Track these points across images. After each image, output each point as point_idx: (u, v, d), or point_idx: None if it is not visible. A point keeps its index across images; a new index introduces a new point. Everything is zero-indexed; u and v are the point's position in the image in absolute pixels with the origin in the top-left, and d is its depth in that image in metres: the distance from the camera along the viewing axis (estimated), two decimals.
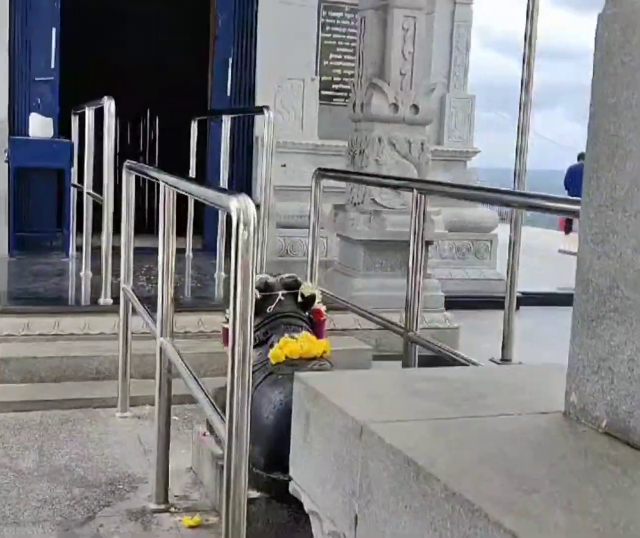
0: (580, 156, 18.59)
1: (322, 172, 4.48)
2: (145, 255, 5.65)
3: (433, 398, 1.34)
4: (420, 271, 3.51)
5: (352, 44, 8.05)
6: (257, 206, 5.53)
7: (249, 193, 7.90)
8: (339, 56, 8.08)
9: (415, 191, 3.45)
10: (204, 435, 3.60)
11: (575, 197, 2.60)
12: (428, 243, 5.84)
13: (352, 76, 8.08)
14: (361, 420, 1.22)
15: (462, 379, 1.45)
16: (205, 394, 2.52)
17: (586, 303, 1.25)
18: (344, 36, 8.07)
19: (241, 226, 2.14)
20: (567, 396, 1.30)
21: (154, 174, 3.24)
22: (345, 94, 8.08)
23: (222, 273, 6.40)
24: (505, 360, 6.02)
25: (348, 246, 5.84)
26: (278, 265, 6.81)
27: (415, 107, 5.67)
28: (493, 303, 7.84)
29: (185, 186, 2.75)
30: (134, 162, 4.15)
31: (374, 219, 5.61)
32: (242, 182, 7.61)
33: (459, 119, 8.21)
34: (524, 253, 8.21)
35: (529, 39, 5.83)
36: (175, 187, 2.87)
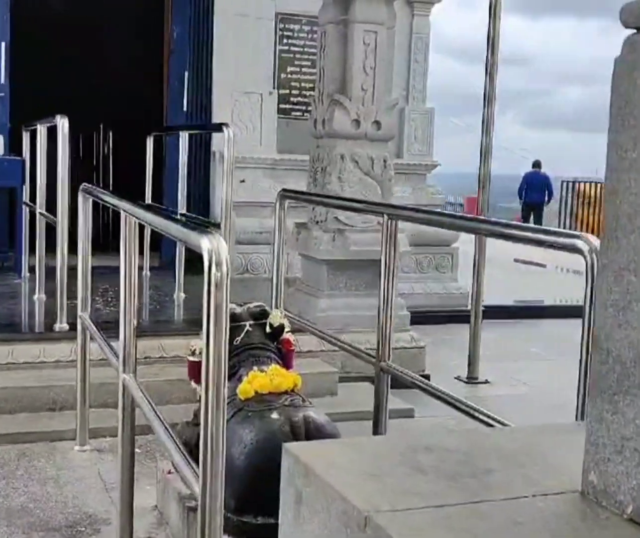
0: (535, 164, 18.77)
1: (286, 194, 4.35)
2: (102, 275, 5.48)
3: (438, 476, 1.23)
4: (391, 299, 3.41)
5: (311, 57, 7.94)
6: (218, 226, 5.41)
7: (207, 210, 7.76)
8: (297, 69, 7.97)
9: (385, 216, 3.35)
10: (169, 473, 3.45)
11: (542, 227, 2.51)
12: None
13: (310, 88, 7.98)
14: (364, 509, 1.11)
15: (464, 449, 1.34)
16: (175, 442, 2.38)
17: (606, 375, 1.15)
18: (301, 49, 7.95)
19: (213, 268, 2.01)
20: (585, 474, 1.20)
21: (115, 202, 3.09)
22: (304, 108, 7.97)
23: (182, 294, 6.25)
24: (471, 378, 5.96)
25: (311, 265, 5.72)
26: (238, 284, 6.68)
27: (378, 123, 5.57)
28: (456, 317, 7.79)
29: (151, 218, 2.60)
30: (92, 186, 3.99)
31: (338, 238, 5.50)
32: (200, 199, 7.46)
33: (419, 132, 8.14)
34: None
35: (491, 45, 5.79)
36: (138, 218, 2.72)
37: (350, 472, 1.25)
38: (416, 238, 7.44)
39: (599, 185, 19.37)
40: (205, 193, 7.55)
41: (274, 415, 3.00)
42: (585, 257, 2.32)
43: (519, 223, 2.90)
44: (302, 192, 5.09)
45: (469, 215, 3.16)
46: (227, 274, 2.01)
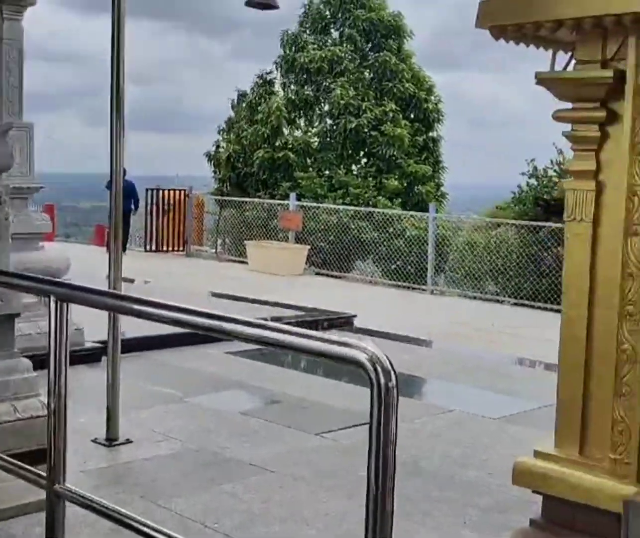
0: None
1: None
2: None
3: None
4: (64, 400, 2.68)
5: None
6: None
7: None
8: None
9: (52, 297, 2.60)
10: None
11: (322, 335, 1.99)
12: (14, 316, 4.85)
13: None
14: None
15: None
16: None
17: None
18: None
19: None
20: None
21: None
22: None
23: None
24: (112, 439, 5.25)
25: None
26: None
27: None
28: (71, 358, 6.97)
29: None
30: None
31: None
32: None
33: (17, 150, 7.14)
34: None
35: (116, 50, 5.26)
36: None
37: None
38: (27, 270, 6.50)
39: (182, 192, 19.51)
40: None
41: None
42: (367, 371, 1.85)
43: (294, 328, 2.22)
44: None
45: (147, 298, 2.37)
46: None
